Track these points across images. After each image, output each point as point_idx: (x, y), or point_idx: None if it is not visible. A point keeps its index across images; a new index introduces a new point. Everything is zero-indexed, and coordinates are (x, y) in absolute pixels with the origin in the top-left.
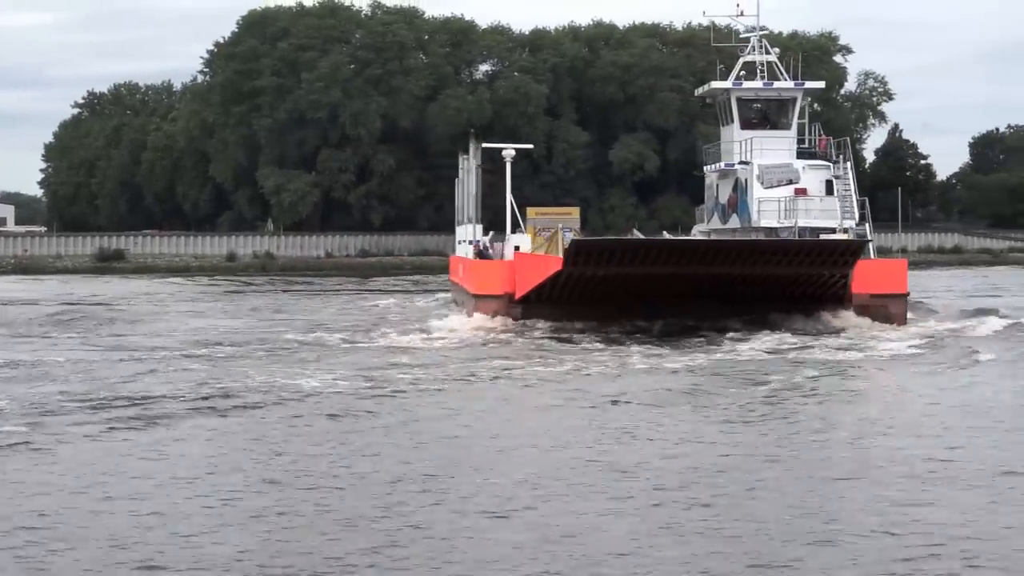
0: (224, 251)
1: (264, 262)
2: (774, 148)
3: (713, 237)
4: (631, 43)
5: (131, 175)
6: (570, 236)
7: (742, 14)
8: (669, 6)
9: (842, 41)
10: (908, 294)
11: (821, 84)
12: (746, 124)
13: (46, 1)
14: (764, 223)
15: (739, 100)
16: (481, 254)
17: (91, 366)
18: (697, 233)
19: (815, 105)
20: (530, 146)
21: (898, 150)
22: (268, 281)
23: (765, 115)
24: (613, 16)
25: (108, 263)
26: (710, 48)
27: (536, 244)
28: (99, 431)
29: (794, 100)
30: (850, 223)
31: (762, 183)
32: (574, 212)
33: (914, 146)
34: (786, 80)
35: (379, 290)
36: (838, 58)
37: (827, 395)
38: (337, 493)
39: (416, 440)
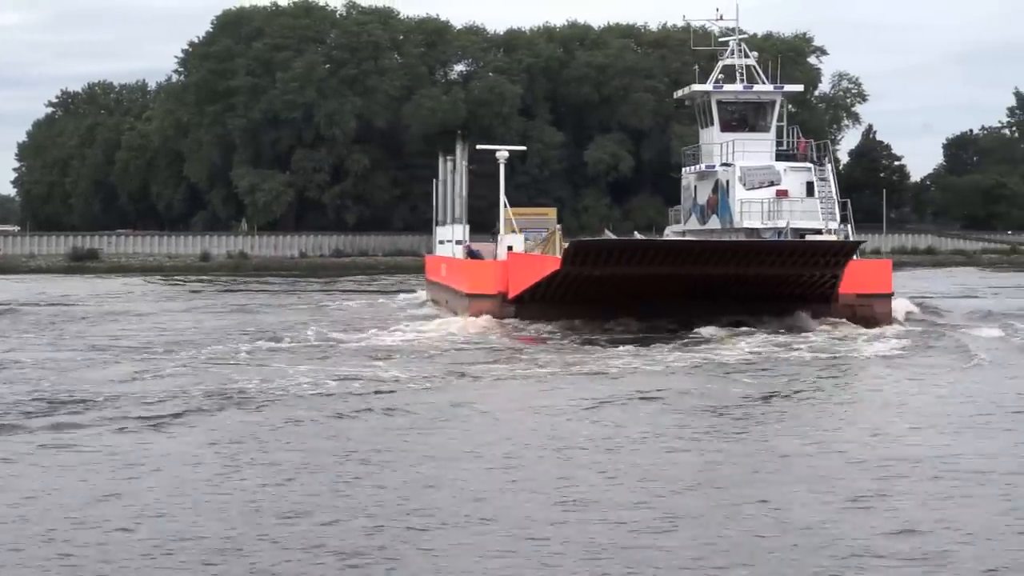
0: (198, 251)
1: (238, 262)
2: (755, 150)
3: (689, 238)
4: (606, 44)
5: (105, 174)
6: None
7: (721, 18)
8: (644, 7)
9: (816, 42)
10: (893, 294)
11: (800, 87)
12: (726, 127)
13: (20, 0)
14: (747, 224)
15: (719, 103)
16: (472, 254)
17: (63, 365)
18: (671, 234)
19: (789, 106)
20: (523, 148)
21: (872, 151)
22: (243, 280)
23: (744, 118)
24: (588, 17)
25: (82, 263)
26: (685, 49)
27: (527, 246)
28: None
29: (773, 103)
30: (832, 224)
31: (744, 185)
32: (551, 213)
33: (888, 147)
34: (765, 83)
35: (363, 290)
36: (812, 59)
37: (826, 396)
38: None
39: (406, 440)
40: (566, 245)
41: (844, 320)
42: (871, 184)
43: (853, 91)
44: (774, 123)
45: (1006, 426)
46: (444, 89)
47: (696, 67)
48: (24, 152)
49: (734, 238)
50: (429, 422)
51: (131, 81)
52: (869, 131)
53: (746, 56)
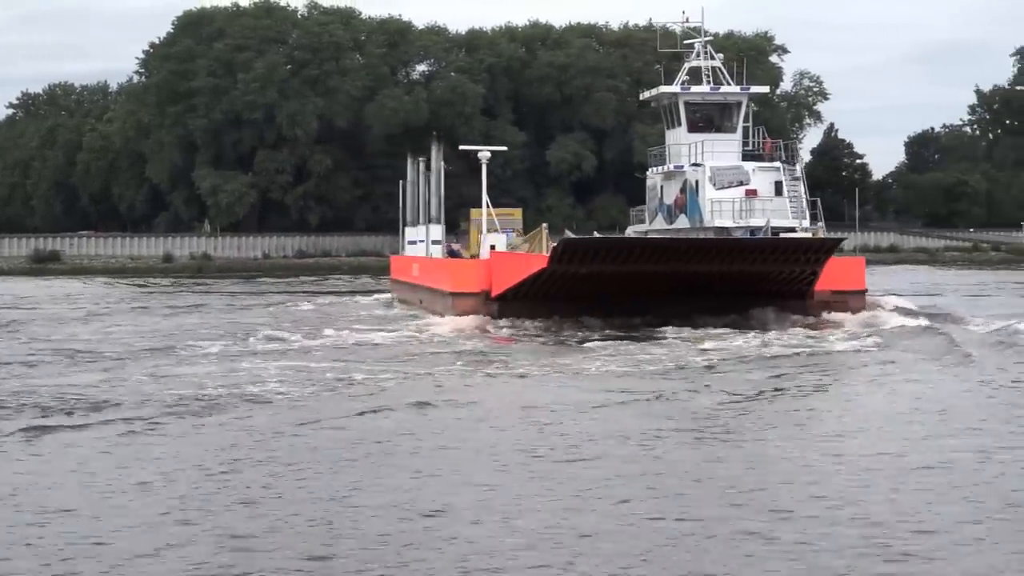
0: (161, 252)
1: (201, 263)
2: (722, 151)
3: (673, 236)
4: (567, 43)
5: (66, 176)
6: (513, 236)
7: (687, 21)
8: (605, 7)
9: (777, 41)
10: (866, 290)
11: (765, 88)
12: (692, 127)
13: None
14: (717, 223)
15: (687, 104)
16: (453, 253)
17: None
18: (633, 234)
19: (753, 106)
20: (504, 148)
21: (834, 150)
22: (212, 282)
23: (710, 118)
24: (549, 16)
25: (43, 264)
26: (646, 48)
27: (514, 243)
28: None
29: (739, 104)
30: (805, 223)
31: (714, 184)
32: (516, 213)
33: (850, 146)
34: (731, 85)
35: (333, 291)
36: (774, 58)
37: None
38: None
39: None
40: (553, 243)
41: (822, 315)
42: (833, 183)
43: (814, 89)
44: (740, 124)
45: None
46: (406, 89)
47: (658, 67)
48: None
49: (702, 236)
50: (425, 423)
51: (92, 82)
52: (831, 130)
53: (712, 58)
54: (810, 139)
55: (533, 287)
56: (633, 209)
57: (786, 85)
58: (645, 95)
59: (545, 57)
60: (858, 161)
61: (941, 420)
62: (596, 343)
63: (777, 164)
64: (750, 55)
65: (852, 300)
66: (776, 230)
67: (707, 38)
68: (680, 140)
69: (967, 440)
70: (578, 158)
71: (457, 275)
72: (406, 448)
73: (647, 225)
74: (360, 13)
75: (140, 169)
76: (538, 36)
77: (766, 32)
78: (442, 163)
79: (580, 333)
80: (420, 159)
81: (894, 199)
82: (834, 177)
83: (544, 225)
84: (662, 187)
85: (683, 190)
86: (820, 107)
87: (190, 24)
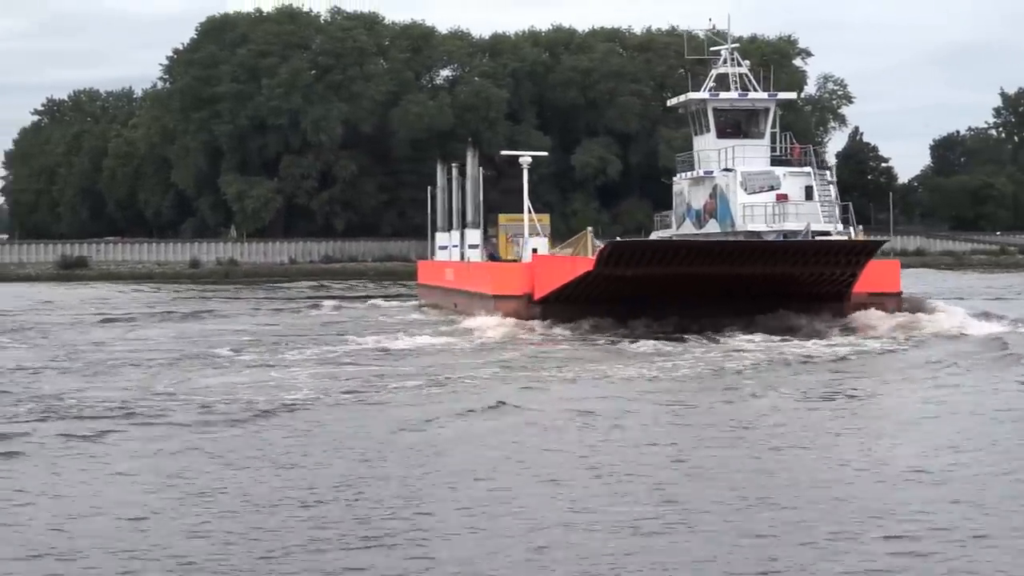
0: (187, 258)
1: (228, 269)
2: (752, 156)
3: (717, 239)
4: (591, 48)
5: (92, 182)
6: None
7: (715, 28)
8: (628, 11)
9: (801, 44)
10: (901, 293)
11: (793, 95)
12: (721, 133)
13: (4, 8)
14: (750, 227)
15: (715, 110)
16: (493, 257)
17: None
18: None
19: (778, 110)
20: (545, 153)
21: (859, 153)
22: (249, 287)
23: (738, 124)
24: (573, 21)
25: (71, 270)
26: (669, 52)
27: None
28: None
29: (767, 110)
30: (839, 226)
31: (745, 189)
32: (544, 219)
33: (875, 149)
34: (759, 91)
35: (372, 295)
36: (798, 61)
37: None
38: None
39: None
40: (600, 246)
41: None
42: (859, 186)
43: (839, 93)
44: (768, 129)
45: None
46: (430, 94)
47: (682, 71)
48: (11, 160)
49: (734, 240)
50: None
51: (116, 88)
52: (856, 133)
53: (739, 64)
54: (835, 143)
55: (578, 290)
56: (657, 214)
57: (810, 89)
58: (672, 101)
59: (569, 61)
60: (883, 165)
61: None
62: (642, 346)
63: (808, 169)
64: (774, 59)
65: (887, 302)
66: (811, 234)
67: (734, 45)
68: (709, 146)
69: None
70: (603, 162)
71: (500, 278)
72: (491, 457)
73: (673, 230)
74: (383, 18)
75: (166, 175)
76: (561, 40)
77: (790, 35)
78: (479, 168)
79: (625, 336)
80: (453, 164)
81: (920, 202)
82: (860, 181)
83: (589, 229)
84: (690, 192)
85: (712, 195)
86: (844, 110)
87: (213, 30)
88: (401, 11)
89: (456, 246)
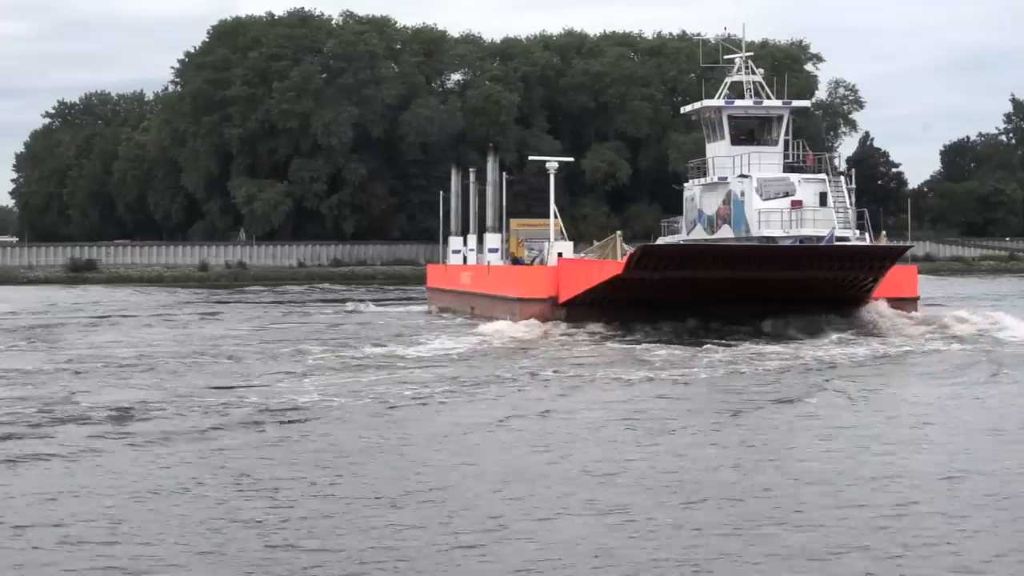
0: (196, 260)
1: (237, 272)
2: (767, 163)
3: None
4: (602, 52)
5: (102, 185)
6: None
7: (729, 35)
8: (640, 16)
9: (812, 49)
10: (919, 298)
11: (807, 103)
12: (735, 140)
13: (16, 11)
14: (765, 232)
15: (730, 118)
16: (516, 260)
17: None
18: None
19: (792, 118)
20: (571, 159)
21: (870, 158)
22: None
23: (751, 131)
24: (584, 25)
25: (80, 273)
26: (680, 57)
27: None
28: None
29: (781, 117)
30: (853, 232)
31: (760, 195)
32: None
33: (886, 154)
34: (773, 99)
35: (396, 299)
36: (809, 67)
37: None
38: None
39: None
40: (630, 250)
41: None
42: (869, 191)
43: (850, 98)
44: (782, 136)
45: None
46: (441, 98)
47: (693, 76)
48: (21, 163)
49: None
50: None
51: (127, 91)
52: (866, 138)
53: (753, 72)
54: (846, 148)
55: (605, 293)
56: (664, 219)
57: (821, 94)
58: (687, 108)
59: (580, 66)
60: (894, 170)
61: None
62: (668, 350)
63: (822, 176)
64: (785, 63)
65: (905, 307)
66: (818, 239)
67: (748, 53)
68: (723, 152)
69: None
70: (613, 167)
71: (525, 282)
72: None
73: (683, 235)
74: (395, 22)
75: (176, 178)
76: (573, 45)
77: (801, 41)
78: (500, 173)
79: (651, 339)
80: (473, 169)
81: (930, 208)
82: (870, 186)
83: (618, 233)
84: (702, 198)
85: (726, 201)
86: (855, 115)
87: (225, 33)
88: (413, 15)
89: (473, 250)
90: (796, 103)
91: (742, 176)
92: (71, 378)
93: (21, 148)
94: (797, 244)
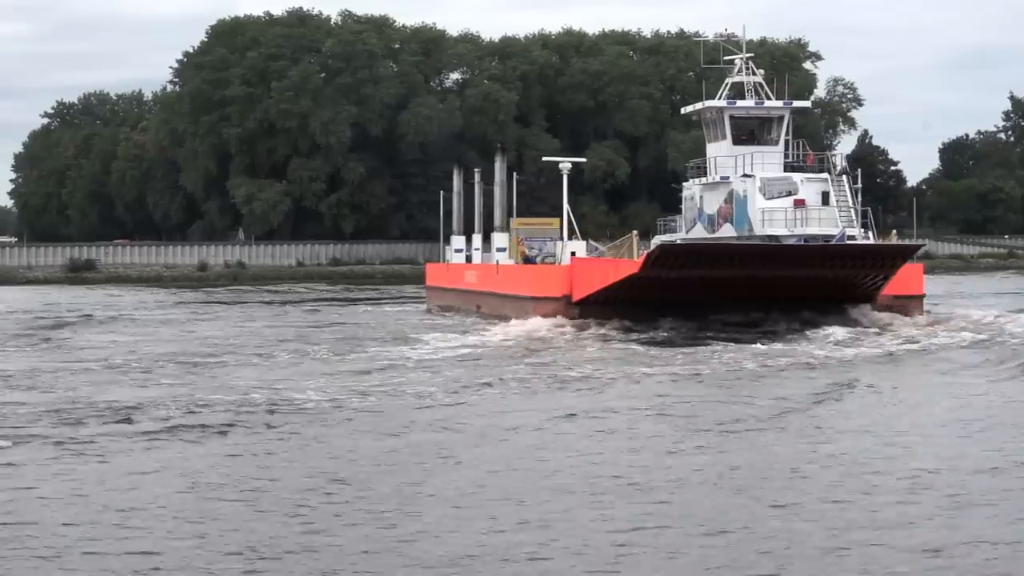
0: (195, 260)
1: (236, 271)
2: (768, 162)
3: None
4: (601, 51)
5: (101, 185)
6: (551, 245)
7: (729, 35)
8: (638, 14)
9: (811, 48)
10: (924, 295)
11: (808, 103)
12: (736, 140)
13: (14, 11)
14: (768, 231)
15: (731, 118)
16: (528, 259)
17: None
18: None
19: (793, 118)
20: (583, 160)
21: (868, 156)
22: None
23: (752, 131)
24: (582, 24)
25: (79, 273)
26: (679, 56)
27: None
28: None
29: (782, 117)
30: (857, 231)
31: (763, 194)
32: (554, 223)
33: (884, 152)
34: (773, 100)
35: (394, 299)
36: (807, 65)
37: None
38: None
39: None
40: (647, 249)
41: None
42: (868, 190)
43: (848, 96)
44: (782, 136)
45: None
46: (440, 97)
47: (691, 74)
48: (20, 163)
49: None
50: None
51: (126, 91)
52: (865, 136)
53: (753, 73)
54: (844, 146)
55: (619, 292)
56: (661, 219)
57: (820, 92)
58: (687, 109)
59: (578, 64)
60: (893, 168)
61: None
62: (683, 349)
63: (824, 175)
64: (784, 62)
65: (911, 304)
66: (827, 238)
67: (748, 54)
68: (724, 152)
69: None
70: (612, 165)
71: (538, 280)
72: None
73: (682, 234)
74: (394, 21)
75: (174, 178)
76: (571, 44)
77: (799, 39)
78: (508, 173)
79: (666, 337)
80: (476, 169)
81: (929, 206)
82: (869, 184)
83: (635, 232)
84: (702, 197)
85: (728, 200)
86: (854, 113)
87: (224, 33)
88: (412, 14)
89: (478, 249)
90: (797, 103)
91: (745, 176)
92: (71, 378)
93: (20, 148)
94: (812, 244)
